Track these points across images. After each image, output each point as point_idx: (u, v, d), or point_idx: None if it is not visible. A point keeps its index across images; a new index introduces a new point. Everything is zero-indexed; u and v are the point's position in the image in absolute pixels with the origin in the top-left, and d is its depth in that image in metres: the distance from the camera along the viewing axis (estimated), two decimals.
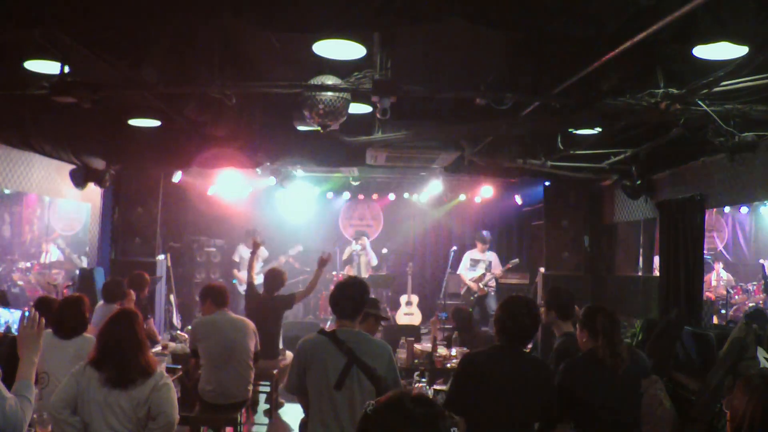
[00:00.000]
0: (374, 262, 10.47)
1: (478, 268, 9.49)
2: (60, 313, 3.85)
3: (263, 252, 10.01)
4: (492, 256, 9.56)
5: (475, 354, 3.23)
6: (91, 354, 3.06)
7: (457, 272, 9.68)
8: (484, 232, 9.70)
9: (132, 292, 5.78)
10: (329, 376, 3.14)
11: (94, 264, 7.59)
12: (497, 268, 9.42)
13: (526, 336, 3.12)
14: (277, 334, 6.07)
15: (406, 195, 11.05)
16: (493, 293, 9.32)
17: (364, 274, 10.11)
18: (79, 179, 7.02)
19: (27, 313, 2.69)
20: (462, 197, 10.93)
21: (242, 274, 9.76)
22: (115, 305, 5.47)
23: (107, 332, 3.06)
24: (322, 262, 6.30)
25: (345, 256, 10.40)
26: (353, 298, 3.32)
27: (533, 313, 3.11)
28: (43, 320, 2.69)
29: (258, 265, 9.63)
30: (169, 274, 8.74)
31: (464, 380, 3.06)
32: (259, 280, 7.72)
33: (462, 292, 9.64)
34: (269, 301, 6.09)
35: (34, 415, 2.95)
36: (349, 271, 10.26)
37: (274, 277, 6.22)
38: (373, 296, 4.80)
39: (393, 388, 3.20)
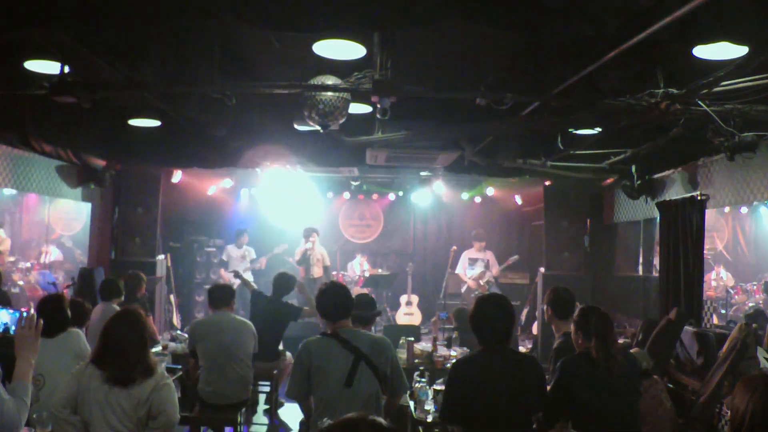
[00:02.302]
0: (327, 261, 9.88)
1: (476, 266, 9.53)
2: (40, 313, 3.84)
3: (251, 254, 10.00)
4: (489, 255, 9.60)
5: (463, 361, 3.24)
6: (94, 352, 3.06)
7: (455, 272, 9.69)
8: (479, 231, 9.74)
9: None
10: (338, 374, 3.21)
11: (94, 264, 7.59)
12: (495, 267, 9.45)
13: (504, 333, 3.10)
14: (278, 337, 6.05)
15: (406, 195, 11.04)
16: (495, 288, 9.36)
17: (317, 275, 9.58)
18: (79, 179, 7.02)
19: (25, 314, 2.69)
20: (462, 197, 10.93)
21: (228, 275, 9.72)
22: (113, 304, 5.49)
23: (110, 331, 3.06)
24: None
25: (298, 257, 9.69)
26: (343, 298, 3.43)
27: (505, 312, 3.10)
28: (41, 321, 2.69)
29: (243, 265, 9.65)
30: (169, 274, 8.74)
31: (455, 388, 3.07)
32: (248, 277, 7.65)
33: (462, 291, 9.68)
34: (277, 303, 6.03)
35: (34, 415, 2.95)
36: (302, 272, 9.64)
37: (283, 282, 6.12)
38: (372, 296, 4.84)
39: (397, 382, 3.38)
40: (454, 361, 5.41)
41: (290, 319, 6.11)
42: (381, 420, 1.51)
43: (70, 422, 2.88)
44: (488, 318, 3.08)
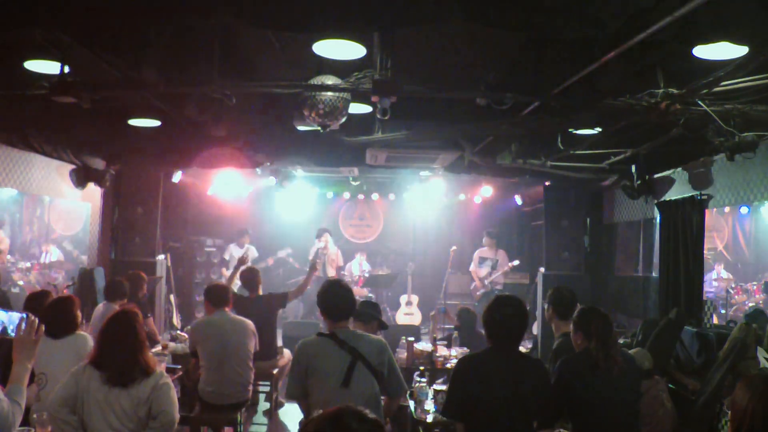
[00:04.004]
0: (340, 261, 10.15)
1: (484, 265, 9.74)
2: (49, 314, 3.84)
3: (253, 253, 9.99)
4: (501, 255, 9.76)
5: (469, 357, 3.24)
6: (92, 353, 3.05)
7: (470, 269, 9.95)
8: (489, 230, 9.98)
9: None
10: (336, 375, 3.18)
11: (94, 264, 7.59)
12: (501, 269, 9.58)
13: (516, 336, 3.10)
14: (273, 333, 6.03)
15: (406, 195, 11.04)
16: (500, 288, 9.45)
17: (330, 274, 9.78)
18: (79, 179, 7.02)
19: (25, 316, 2.68)
20: (462, 197, 10.93)
21: (229, 273, 9.72)
22: (116, 305, 5.48)
23: (108, 331, 3.06)
24: (313, 267, 6.75)
25: (311, 256, 9.78)
26: (347, 299, 3.39)
27: (521, 313, 3.10)
28: (42, 327, 2.69)
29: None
30: (169, 274, 8.74)
31: (460, 385, 3.07)
32: None
33: (471, 288, 9.85)
34: (257, 300, 6.02)
35: (34, 416, 2.95)
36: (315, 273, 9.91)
37: (250, 276, 6.17)
38: (374, 300, 4.86)
39: (395, 383, 3.34)
40: (454, 361, 5.43)
41: (278, 306, 6.12)
42: (366, 411, 1.53)
43: (67, 422, 2.88)
44: (503, 317, 3.07)
